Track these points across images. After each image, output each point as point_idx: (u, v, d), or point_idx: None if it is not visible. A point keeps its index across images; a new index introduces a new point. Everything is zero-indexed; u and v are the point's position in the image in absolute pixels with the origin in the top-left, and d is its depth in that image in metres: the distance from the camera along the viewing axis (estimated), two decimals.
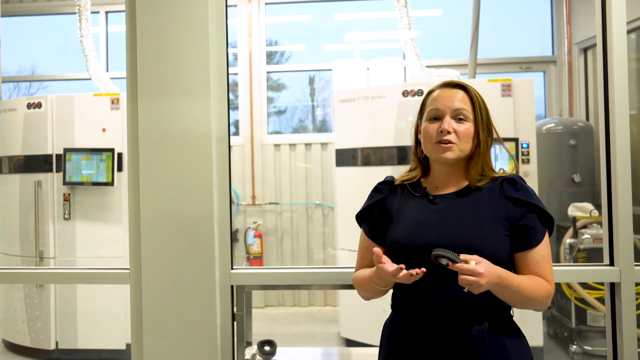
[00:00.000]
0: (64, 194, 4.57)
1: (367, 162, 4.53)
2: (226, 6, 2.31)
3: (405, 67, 5.84)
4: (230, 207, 2.28)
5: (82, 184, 4.51)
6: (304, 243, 6.25)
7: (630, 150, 2.17)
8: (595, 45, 2.30)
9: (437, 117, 1.68)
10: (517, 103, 4.20)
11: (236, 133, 6.37)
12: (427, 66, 4.75)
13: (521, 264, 1.64)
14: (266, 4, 6.49)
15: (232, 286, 2.28)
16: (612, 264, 2.22)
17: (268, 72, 6.61)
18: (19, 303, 4.71)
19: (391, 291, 1.74)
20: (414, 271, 1.50)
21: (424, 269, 1.51)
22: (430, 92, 1.75)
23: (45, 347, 4.62)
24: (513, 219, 1.63)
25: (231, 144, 2.35)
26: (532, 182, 4.15)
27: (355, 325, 4.67)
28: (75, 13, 4.94)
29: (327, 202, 6.14)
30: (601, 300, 4.12)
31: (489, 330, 1.58)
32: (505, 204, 1.64)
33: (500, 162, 3.86)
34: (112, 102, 4.56)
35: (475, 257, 1.48)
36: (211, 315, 2.23)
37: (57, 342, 4.61)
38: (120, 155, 4.50)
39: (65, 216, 4.56)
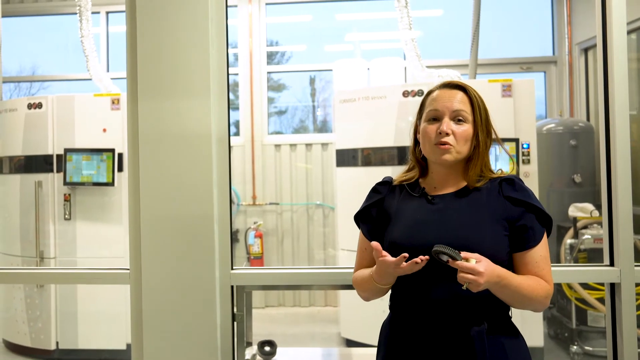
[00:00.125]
0: (65, 194, 4.58)
1: (367, 162, 4.54)
2: (226, 6, 2.31)
3: (405, 68, 5.85)
4: (230, 207, 2.28)
5: (82, 184, 4.52)
6: (305, 243, 6.25)
7: (630, 151, 2.17)
8: (595, 45, 2.30)
9: (435, 118, 1.68)
10: (518, 103, 4.20)
11: (237, 133, 6.37)
12: (428, 66, 4.76)
13: (520, 264, 1.64)
14: (267, 4, 6.49)
15: (232, 286, 2.28)
16: (612, 264, 2.22)
17: (269, 73, 6.61)
18: (20, 303, 4.72)
19: (389, 292, 1.74)
20: (417, 259, 1.50)
21: (427, 257, 1.51)
22: (429, 93, 1.75)
23: (46, 347, 4.62)
24: (512, 219, 1.63)
25: (232, 144, 2.35)
26: (533, 183, 4.15)
27: (355, 325, 4.67)
28: (75, 13, 4.95)
29: (328, 203, 6.14)
30: (602, 300, 4.11)
31: (488, 331, 1.58)
32: (504, 204, 1.64)
33: (501, 162, 3.85)
34: (113, 103, 4.56)
35: (476, 255, 1.49)
36: (211, 316, 2.23)
37: (57, 342, 4.62)
38: (120, 155, 4.51)
39: (66, 216, 4.57)
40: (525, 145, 4.18)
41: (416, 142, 1.76)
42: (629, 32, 4.86)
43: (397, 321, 1.71)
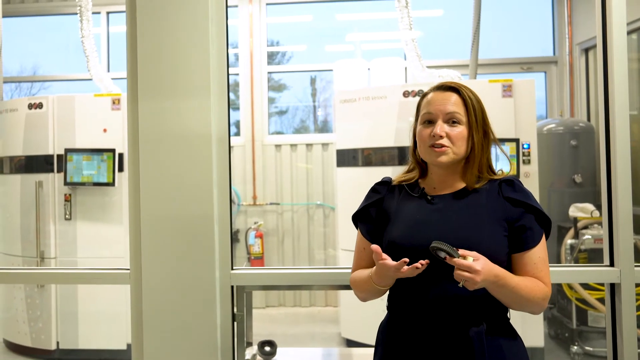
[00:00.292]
0: (65, 194, 4.58)
1: (368, 162, 4.54)
2: (226, 6, 2.31)
3: (406, 68, 5.85)
4: (230, 207, 2.28)
5: (83, 184, 4.52)
6: (305, 243, 6.25)
7: (630, 151, 2.17)
8: (596, 45, 2.30)
9: (430, 121, 1.68)
10: (518, 103, 4.20)
11: (237, 133, 6.37)
12: (428, 67, 4.76)
13: (518, 265, 1.64)
14: (267, 4, 6.49)
15: (232, 286, 2.28)
16: (612, 264, 2.22)
17: (269, 73, 6.61)
18: (20, 303, 4.72)
19: (387, 292, 1.74)
20: (418, 264, 1.50)
21: (427, 260, 1.51)
22: (424, 95, 1.75)
23: (46, 347, 4.62)
24: (511, 219, 1.63)
25: (232, 144, 2.36)
26: (533, 183, 4.15)
27: (355, 325, 4.67)
28: (76, 13, 4.95)
29: (328, 203, 6.14)
30: (602, 300, 4.11)
31: (486, 332, 1.58)
32: (503, 204, 1.65)
33: (502, 162, 3.85)
34: (113, 103, 4.56)
35: (474, 253, 1.49)
36: (211, 316, 2.23)
37: (58, 342, 4.62)
38: (121, 155, 4.51)
39: (66, 216, 4.57)
40: (525, 146, 4.17)
41: (416, 143, 1.76)
42: (629, 33, 4.86)
43: (395, 321, 1.71)
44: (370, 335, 1.85)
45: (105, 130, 4.55)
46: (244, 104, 6.36)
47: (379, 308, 2.22)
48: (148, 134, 2.24)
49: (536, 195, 4.19)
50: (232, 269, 2.28)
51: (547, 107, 6.39)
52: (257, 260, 5.90)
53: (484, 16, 4.76)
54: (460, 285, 1.47)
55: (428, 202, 1.70)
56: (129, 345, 4.40)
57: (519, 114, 4.19)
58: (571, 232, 4.53)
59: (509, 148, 4.08)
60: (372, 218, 1.78)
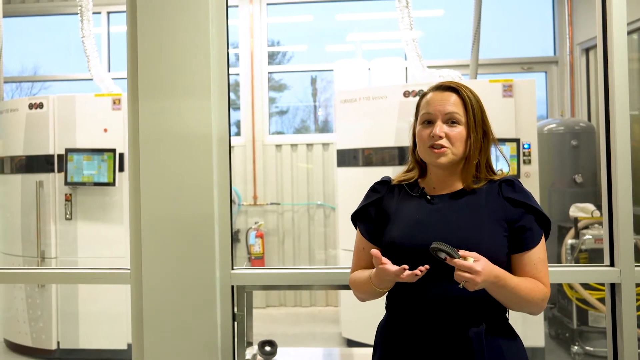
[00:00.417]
0: (66, 194, 4.58)
1: (368, 162, 4.54)
2: (227, 6, 2.31)
3: (406, 68, 5.85)
4: (230, 207, 2.29)
5: (83, 184, 4.52)
6: (306, 243, 6.25)
7: (630, 151, 2.17)
8: (596, 45, 2.30)
9: (429, 121, 1.68)
10: (519, 103, 4.20)
11: (238, 133, 6.37)
12: (429, 66, 4.76)
13: (518, 266, 1.64)
14: (268, 4, 6.49)
15: (232, 286, 2.28)
16: (612, 264, 2.22)
17: (270, 73, 6.61)
18: (21, 303, 4.72)
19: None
20: (417, 271, 1.50)
21: (427, 266, 1.51)
22: (423, 95, 1.75)
23: (47, 347, 4.63)
24: (511, 220, 1.63)
25: (233, 144, 2.35)
26: (534, 183, 4.15)
27: (356, 325, 4.67)
28: (77, 13, 4.96)
29: (329, 203, 6.15)
30: (603, 300, 4.11)
31: (486, 332, 1.58)
32: (503, 205, 1.65)
33: (502, 162, 3.85)
34: (114, 103, 4.56)
35: (475, 254, 1.49)
36: (212, 316, 2.23)
37: (58, 342, 4.62)
38: (121, 155, 4.51)
39: (67, 216, 4.57)
40: (526, 146, 4.17)
41: (415, 143, 1.76)
42: (630, 33, 4.86)
43: (394, 321, 1.71)
44: (371, 335, 1.85)
45: (105, 130, 4.55)
46: (244, 104, 6.37)
47: (379, 308, 2.22)
48: (148, 134, 2.24)
49: (537, 195, 4.19)
50: (233, 268, 2.28)
51: (548, 107, 6.39)
52: (257, 260, 5.90)
53: (485, 16, 4.76)
54: (461, 286, 1.47)
55: (428, 202, 1.69)
56: (129, 345, 4.41)
57: (520, 114, 4.19)
58: (572, 232, 4.53)
59: (510, 148, 4.08)
60: (372, 218, 1.78)
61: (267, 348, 2.74)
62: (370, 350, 1.85)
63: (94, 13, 5.05)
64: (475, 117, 1.67)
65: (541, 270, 1.64)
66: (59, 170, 4.58)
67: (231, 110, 2.34)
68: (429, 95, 1.72)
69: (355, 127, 4.65)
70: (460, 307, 1.59)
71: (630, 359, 2.15)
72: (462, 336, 1.58)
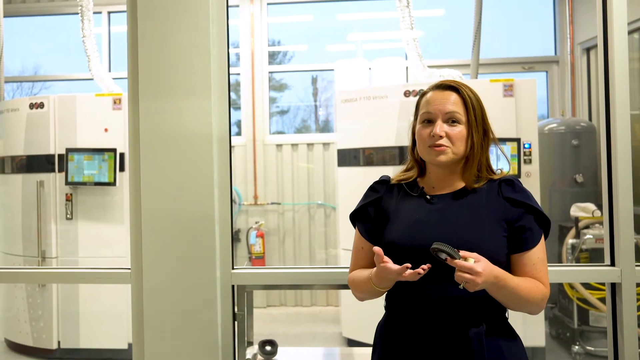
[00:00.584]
0: (66, 194, 4.58)
1: (369, 162, 4.54)
2: (227, 6, 2.31)
3: (407, 67, 5.85)
4: (231, 207, 2.29)
5: (84, 184, 4.52)
6: (306, 243, 6.25)
7: (631, 150, 2.17)
8: (597, 45, 2.30)
9: (429, 120, 1.67)
10: (519, 103, 4.20)
11: (238, 133, 6.38)
12: (429, 66, 4.75)
13: (517, 266, 1.64)
14: (268, 4, 6.49)
15: (233, 286, 2.28)
16: (612, 264, 2.22)
17: (270, 72, 6.61)
18: (22, 303, 4.73)
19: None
20: (420, 269, 1.50)
21: (429, 265, 1.50)
22: (424, 94, 1.74)
23: (48, 346, 4.63)
24: (511, 220, 1.63)
25: (234, 144, 2.36)
26: (534, 183, 4.14)
27: (357, 325, 4.67)
28: (77, 13, 4.96)
29: (329, 202, 6.15)
30: (604, 300, 4.11)
31: (485, 333, 1.58)
32: (503, 205, 1.64)
33: (503, 161, 3.85)
34: (114, 102, 4.57)
35: (475, 255, 1.48)
36: (212, 315, 2.23)
37: (59, 342, 4.63)
38: (122, 155, 4.51)
39: (68, 216, 4.57)
40: (527, 145, 4.17)
41: (414, 141, 1.75)
42: (630, 32, 4.86)
43: (393, 321, 1.71)
44: (371, 335, 1.85)
45: (106, 130, 4.56)
46: (245, 104, 6.37)
47: (380, 308, 2.22)
48: (149, 133, 2.24)
49: (537, 195, 4.19)
50: (233, 268, 2.29)
51: (549, 106, 6.38)
52: (258, 259, 5.91)
53: (485, 16, 4.76)
54: (461, 287, 1.46)
55: (427, 202, 1.69)
56: (130, 345, 4.41)
57: (520, 114, 4.18)
58: (572, 231, 4.53)
59: (510, 148, 4.08)
60: (371, 217, 1.77)
61: (268, 348, 2.74)
62: (371, 349, 1.85)
63: (94, 13, 5.05)
64: (475, 116, 1.66)
65: (541, 270, 1.63)
66: (60, 170, 4.59)
67: (232, 110, 2.34)
68: (429, 94, 1.72)
69: (355, 127, 4.65)
70: (460, 307, 1.59)
71: (630, 359, 2.16)
72: (462, 336, 1.58)
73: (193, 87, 2.22)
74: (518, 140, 4.12)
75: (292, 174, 6.28)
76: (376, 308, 2.36)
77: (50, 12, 6.86)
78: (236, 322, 2.31)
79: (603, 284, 3.96)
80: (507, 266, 1.63)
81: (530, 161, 4.17)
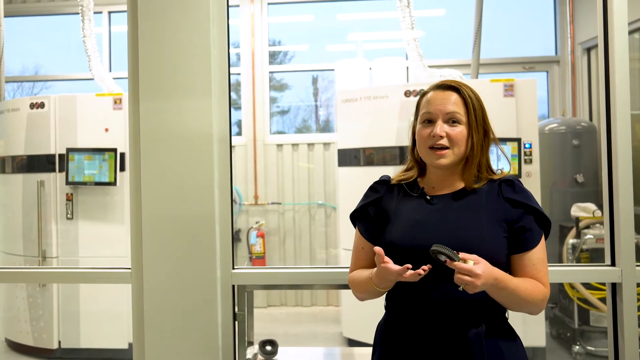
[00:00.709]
0: (67, 194, 4.59)
1: (369, 162, 4.54)
2: (227, 6, 2.31)
3: (407, 67, 5.84)
4: (231, 207, 2.29)
5: (84, 183, 4.52)
6: (307, 243, 6.25)
7: (631, 150, 2.17)
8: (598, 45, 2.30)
9: (430, 120, 1.67)
10: (520, 103, 4.19)
11: (239, 133, 6.38)
12: (430, 66, 4.75)
13: (517, 266, 1.64)
14: (269, 4, 6.49)
15: (233, 286, 2.28)
16: (613, 264, 2.22)
17: (271, 72, 6.61)
18: (22, 302, 4.73)
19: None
20: (421, 270, 1.49)
21: (429, 266, 1.50)
22: (424, 94, 1.73)
23: (48, 346, 4.63)
24: (511, 220, 1.63)
25: (234, 144, 2.36)
26: (535, 183, 4.14)
27: (357, 325, 4.67)
28: (78, 13, 4.96)
29: (330, 202, 6.14)
30: (604, 300, 4.11)
31: (485, 333, 1.57)
32: (503, 205, 1.64)
33: (503, 161, 3.85)
34: (115, 102, 4.57)
35: (474, 256, 1.48)
36: (212, 315, 2.23)
37: (59, 342, 4.63)
38: (123, 155, 4.51)
39: (68, 216, 4.57)
40: (527, 145, 4.17)
41: (414, 142, 1.75)
42: (631, 32, 4.85)
43: (393, 322, 1.71)
44: (371, 335, 1.85)
45: (106, 130, 4.56)
46: (245, 104, 6.37)
47: (380, 308, 2.22)
48: (149, 133, 2.24)
49: (538, 195, 4.18)
50: (234, 268, 2.29)
51: (549, 106, 6.38)
52: (258, 259, 5.91)
53: (486, 16, 4.75)
54: (461, 288, 1.46)
55: (427, 202, 1.69)
56: (130, 345, 4.41)
57: (521, 114, 4.18)
58: (573, 231, 4.53)
59: (511, 148, 4.08)
60: (371, 217, 1.77)
61: (268, 348, 2.74)
62: (371, 349, 1.85)
63: (95, 13, 5.05)
64: (476, 116, 1.65)
65: (541, 271, 1.63)
66: (60, 170, 4.59)
67: (232, 109, 2.34)
68: (429, 94, 1.71)
69: (356, 127, 4.65)
70: (460, 308, 1.59)
71: (631, 359, 2.16)
72: (462, 337, 1.57)
73: (193, 87, 2.22)
74: (518, 140, 4.12)
75: (292, 173, 6.28)
76: (376, 308, 2.36)
77: (51, 12, 6.87)
78: (236, 322, 2.31)
79: (603, 284, 3.96)
80: (507, 266, 1.63)
81: (530, 161, 4.17)
